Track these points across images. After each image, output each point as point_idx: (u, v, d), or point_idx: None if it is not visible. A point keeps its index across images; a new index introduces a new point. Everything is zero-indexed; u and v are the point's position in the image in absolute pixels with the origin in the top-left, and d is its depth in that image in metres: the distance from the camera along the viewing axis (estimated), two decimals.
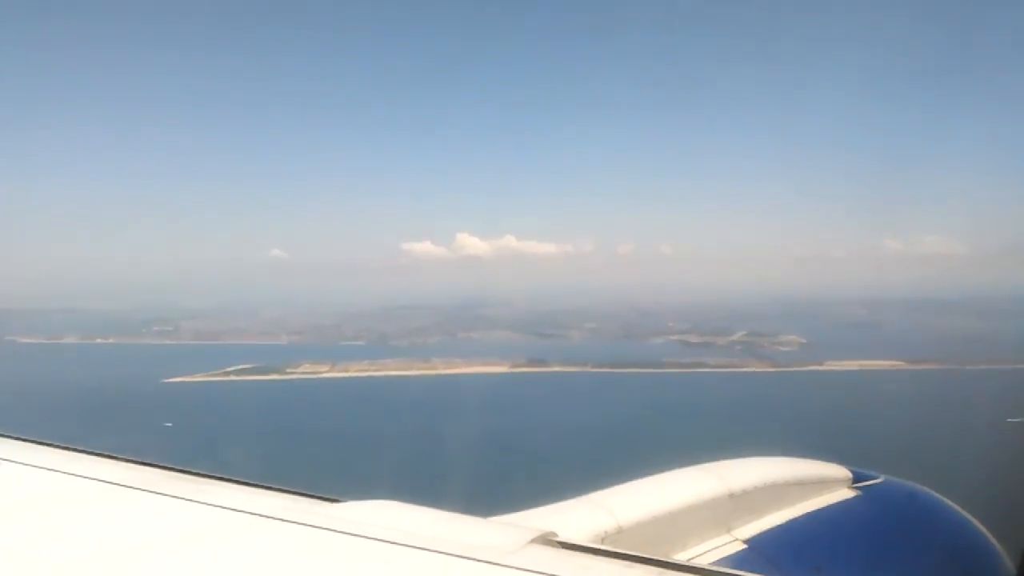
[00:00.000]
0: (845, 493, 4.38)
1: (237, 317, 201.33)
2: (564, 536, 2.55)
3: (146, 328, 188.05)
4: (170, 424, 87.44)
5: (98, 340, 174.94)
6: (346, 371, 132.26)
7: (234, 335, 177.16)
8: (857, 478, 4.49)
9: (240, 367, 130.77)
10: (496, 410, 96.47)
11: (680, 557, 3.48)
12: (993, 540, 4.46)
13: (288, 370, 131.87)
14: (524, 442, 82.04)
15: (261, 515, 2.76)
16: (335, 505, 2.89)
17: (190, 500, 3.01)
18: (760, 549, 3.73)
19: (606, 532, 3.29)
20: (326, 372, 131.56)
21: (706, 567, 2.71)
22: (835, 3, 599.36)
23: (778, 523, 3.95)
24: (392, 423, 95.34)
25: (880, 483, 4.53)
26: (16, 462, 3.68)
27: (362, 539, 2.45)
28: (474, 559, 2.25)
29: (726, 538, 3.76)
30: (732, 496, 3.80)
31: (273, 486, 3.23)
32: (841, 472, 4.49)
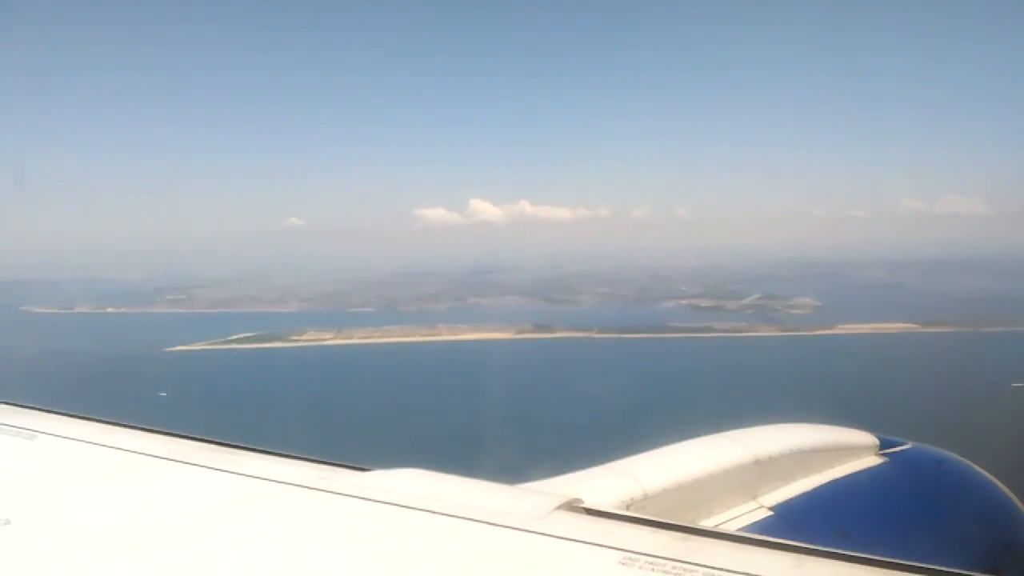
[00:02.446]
0: (872, 460, 4.33)
1: (249, 285, 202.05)
2: (590, 503, 2.62)
3: (159, 297, 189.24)
4: (164, 393, 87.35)
5: (109, 309, 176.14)
6: (350, 338, 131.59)
7: (245, 303, 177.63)
8: (884, 444, 4.44)
9: (243, 335, 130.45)
10: (494, 377, 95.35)
11: (706, 524, 3.48)
12: (1022, 506, 4.35)
13: (292, 337, 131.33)
14: (518, 409, 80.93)
15: (292, 484, 2.88)
16: (363, 474, 2.99)
17: (222, 470, 3.12)
18: (786, 515, 3.70)
19: (632, 499, 3.32)
20: (330, 339, 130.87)
21: (731, 533, 2.81)
22: None
23: (804, 490, 3.91)
24: (389, 390, 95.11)
25: (908, 449, 4.49)
26: (53, 435, 3.78)
27: (391, 506, 2.56)
28: (502, 525, 2.33)
29: (752, 505, 3.74)
30: (758, 463, 3.79)
31: (302, 456, 3.30)
32: (868, 438, 4.43)
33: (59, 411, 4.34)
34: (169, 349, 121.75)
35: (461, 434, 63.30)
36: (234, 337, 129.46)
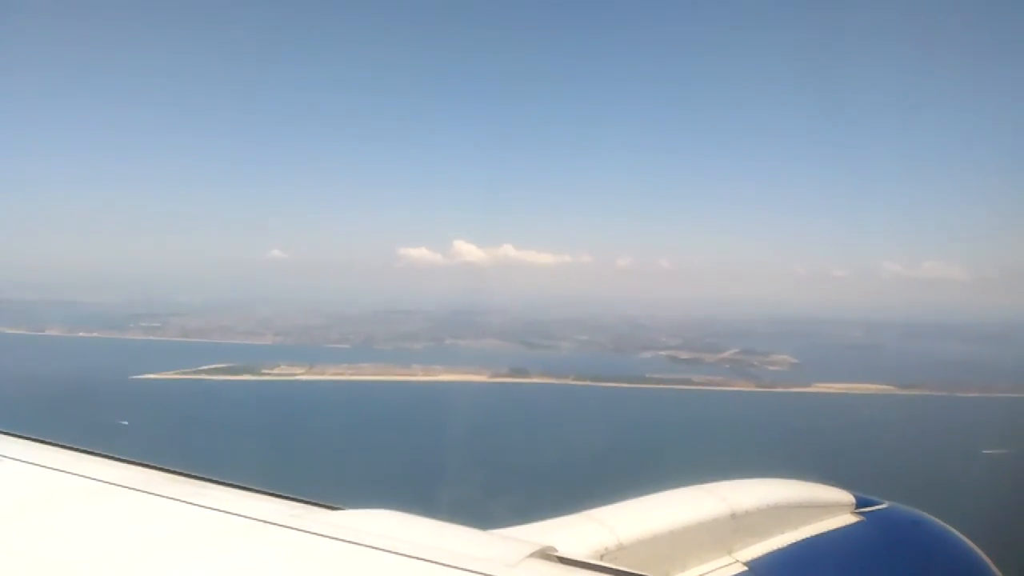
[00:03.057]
0: (848, 518, 4.29)
1: (227, 315, 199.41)
2: (564, 551, 2.60)
3: (133, 323, 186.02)
4: (126, 422, 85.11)
5: (81, 333, 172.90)
6: (322, 374, 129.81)
7: (221, 333, 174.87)
8: (861, 503, 4.41)
9: (214, 366, 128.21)
10: (467, 419, 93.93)
11: None
12: (996, 570, 4.36)
13: (263, 371, 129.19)
14: (492, 453, 79.59)
15: (259, 520, 2.82)
16: (334, 512, 2.97)
17: (189, 503, 3.06)
18: (760, 571, 3.67)
19: (606, 549, 3.25)
20: (301, 374, 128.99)
21: None
22: (837, 18, 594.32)
23: (780, 546, 3.87)
24: (357, 428, 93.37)
25: (884, 509, 4.46)
26: (17, 460, 3.68)
27: (361, 547, 2.50)
28: (474, 571, 2.29)
29: (726, 559, 3.69)
30: (734, 517, 3.73)
31: (272, 491, 3.29)
32: (845, 497, 4.40)
33: (25, 435, 4.21)
34: (136, 377, 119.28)
35: (432, 476, 62.00)
36: (204, 368, 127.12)
